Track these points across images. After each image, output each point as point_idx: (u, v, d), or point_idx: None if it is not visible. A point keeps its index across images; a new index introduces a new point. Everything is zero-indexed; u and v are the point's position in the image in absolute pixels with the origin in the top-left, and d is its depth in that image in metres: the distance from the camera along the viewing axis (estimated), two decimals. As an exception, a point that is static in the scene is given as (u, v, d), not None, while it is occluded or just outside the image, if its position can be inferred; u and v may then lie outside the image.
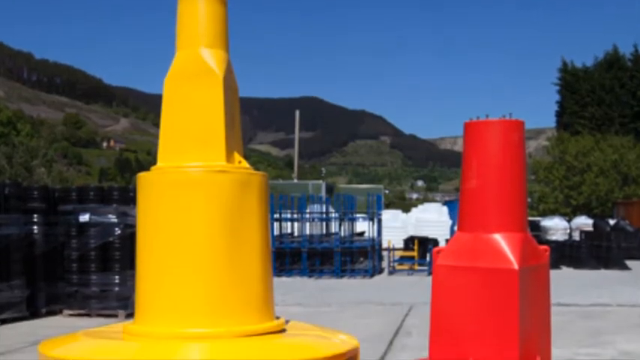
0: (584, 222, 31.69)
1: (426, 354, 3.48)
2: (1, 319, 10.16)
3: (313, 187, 51.67)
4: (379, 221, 20.89)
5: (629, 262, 22.10)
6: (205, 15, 3.72)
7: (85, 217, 11.00)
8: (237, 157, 3.76)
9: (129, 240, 10.78)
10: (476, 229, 3.32)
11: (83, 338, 3.68)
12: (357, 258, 20.87)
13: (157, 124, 3.91)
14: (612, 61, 62.48)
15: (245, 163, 3.77)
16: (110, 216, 11.00)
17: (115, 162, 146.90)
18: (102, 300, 10.92)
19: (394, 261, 20.68)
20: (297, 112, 57.52)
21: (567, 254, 22.56)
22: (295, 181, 56.91)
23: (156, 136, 3.86)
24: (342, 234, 20.46)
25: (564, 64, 64.43)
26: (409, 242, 21.90)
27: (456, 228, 3.52)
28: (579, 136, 55.71)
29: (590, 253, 22.46)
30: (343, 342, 3.71)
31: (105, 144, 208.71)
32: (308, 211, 21.82)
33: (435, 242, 21.18)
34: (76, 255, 11.04)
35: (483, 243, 3.27)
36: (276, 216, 20.35)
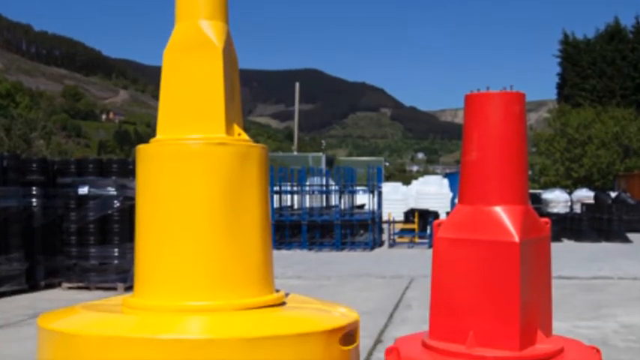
0: (585, 194, 31.71)
1: (426, 327, 3.47)
2: (0, 292, 10.19)
3: (313, 159, 51.65)
4: (379, 194, 20.89)
5: (630, 235, 22.14)
6: (204, -15, 3.68)
7: (83, 190, 10.99)
8: (236, 129, 3.74)
9: (128, 213, 10.79)
10: (476, 201, 3.30)
11: (82, 311, 3.67)
12: (357, 231, 20.91)
13: (156, 96, 3.87)
14: (613, 33, 62.18)
15: (245, 136, 3.75)
16: (109, 188, 10.99)
17: (114, 134, 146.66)
18: (101, 273, 10.94)
19: (394, 234, 20.72)
20: (297, 85, 57.37)
21: (568, 227, 22.58)
22: (295, 153, 56.89)
23: (155, 109, 3.84)
24: (342, 206, 20.47)
25: (565, 35, 64.18)
26: (409, 215, 21.93)
27: (456, 200, 3.50)
28: (580, 108, 55.57)
29: (591, 225, 22.48)
30: (343, 315, 3.70)
31: (104, 116, 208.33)
32: (308, 183, 21.82)
33: (436, 215, 21.20)
34: (74, 228, 11.04)
35: (484, 215, 3.25)
36: (276, 188, 20.36)
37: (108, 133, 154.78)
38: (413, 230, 20.78)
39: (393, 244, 20.30)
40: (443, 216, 21.78)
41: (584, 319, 8.11)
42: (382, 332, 7.33)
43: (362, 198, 23.93)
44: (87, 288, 10.94)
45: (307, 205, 20.59)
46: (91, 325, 3.37)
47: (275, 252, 4.29)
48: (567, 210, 29.05)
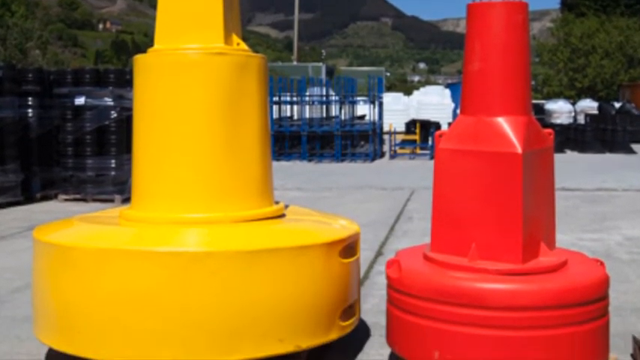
0: (589, 105, 31.52)
1: (428, 239, 3.45)
2: (-5, 204, 10.17)
3: (313, 69, 51.23)
4: (380, 104, 20.74)
5: (634, 146, 22.02)
6: None
7: (80, 100, 10.87)
8: (235, 39, 3.70)
9: (125, 123, 10.67)
10: (479, 112, 3.25)
11: (78, 223, 3.65)
12: (357, 142, 20.85)
13: (154, 5, 3.84)
14: (619, -61, 60.83)
15: (243, 45, 3.70)
16: (106, 99, 10.86)
17: (111, 44, 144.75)
18: (98, 185, 10.88)
19: (395, 145, 20.65)
20: (297, -7, 56.42)
21: (572, 138, 22.45)
22: (295, 63, 56.42)
23: (153, 18, 3.77)
24: (343, 117, 20.34)
25: (570, -58, 62.81)
26: (411, 126, 21.83)
27: (458, 111, 3.44)
28: (584, 17, 54.78)
29: (595, 136, 22.32)
30: (344, 227, 3.69)
31: (101, 25, 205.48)
32: (308, 94, 21.61)
33: (437, 126, 21.09)
34: (71, 139, 10.95)
35: (486, 126, 3.20)
36: (276, 99, 20.20)
37: (105, 43, 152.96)
38: (414, 141, 20.72)
39: (394, 156, 20.27)
40: (444, 127, 21.67)
41: (587, 232, 8.08)
42: (383, 245, 7.33)
43: (362, 109, 23.78)
44: (84, 200, 10.90)
45: (307, 115, 20.45)
46: (87, 237, 3.35)
47: (274, 163, 4.24)
48: (571, 121, 28.92)
